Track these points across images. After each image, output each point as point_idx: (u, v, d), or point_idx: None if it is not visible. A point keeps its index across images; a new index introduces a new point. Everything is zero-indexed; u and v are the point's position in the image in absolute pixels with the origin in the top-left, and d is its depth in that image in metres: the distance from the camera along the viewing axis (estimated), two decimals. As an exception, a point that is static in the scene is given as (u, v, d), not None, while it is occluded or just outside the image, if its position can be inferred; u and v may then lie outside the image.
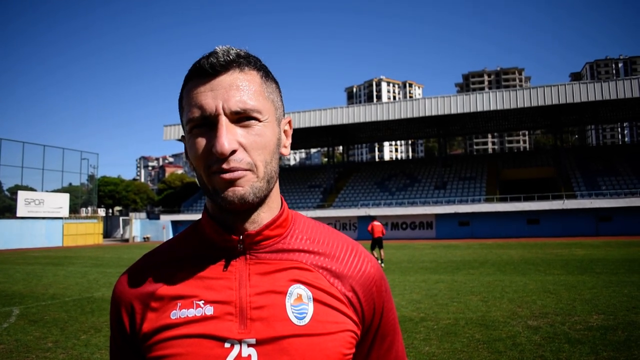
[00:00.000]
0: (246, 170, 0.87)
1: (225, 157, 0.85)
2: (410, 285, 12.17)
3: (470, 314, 8.54)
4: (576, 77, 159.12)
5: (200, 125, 0.88)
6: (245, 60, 0.91)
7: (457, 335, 7.07)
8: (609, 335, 6.76)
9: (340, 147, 63.78)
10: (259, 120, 0.89)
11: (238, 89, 0.88)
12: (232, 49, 0.91)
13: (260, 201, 0.93)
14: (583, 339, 6.59)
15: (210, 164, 0.87)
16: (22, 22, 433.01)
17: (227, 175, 0.86)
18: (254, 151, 0.88)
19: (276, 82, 0.99)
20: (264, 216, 0.96)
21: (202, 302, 0.91)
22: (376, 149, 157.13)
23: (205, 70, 0.88)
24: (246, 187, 0.87)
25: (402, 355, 1.08)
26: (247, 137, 0.88)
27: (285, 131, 1.00)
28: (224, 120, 0.86)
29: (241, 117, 0.88)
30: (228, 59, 0.88)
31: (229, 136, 0.85)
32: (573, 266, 15.61)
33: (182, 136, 1.00)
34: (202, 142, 0.88)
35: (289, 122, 1.02)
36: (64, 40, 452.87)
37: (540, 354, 5.98)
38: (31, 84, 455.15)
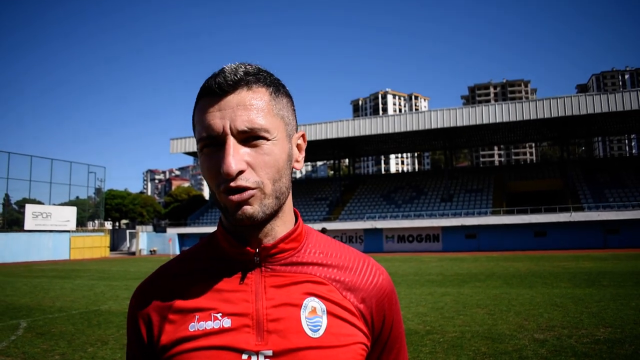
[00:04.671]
0: (254, 189, 0.89)
1: (232, 178, 0.87)
2: (416, 298, 12.13)
3: (476, 327, 8.51)
4: (582, 89, 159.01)
5: (209, 144, 0.90)
6: (254, 78, 0.92)
7: (463, 348, 7.05)
8: (616, 348, 6.72)
9: (347, 160, 63.71)
10: (267, 139, 0.90)
11: (245, 108, 0.88)
12: (241, 67, 0.91)
13: (271, 216, 0.94)
14: (590, 352, 6.56)
15: (219, 182, 0.89)
16: (27, 35, 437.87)
17: (236, 197, 0.88)
18: (262, 170, 0.89)
19: (288, 97, 0.99)
20: (278, 230, 0.98)
21: (220, 314, 0.92)
22: (382, 162, 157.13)
23: (213, 90, 0.89)
24: (255, 205, 0.89)
25: None
26: (254, 157, 0.89)
27: (298, 145, 1.01)
28: (231, 141, 0.87)
29: (249, 137, 0.89)
30: (235, 78, 0.89)
31: (236, 157, 0.86)
32: (580, 279, 15.51)
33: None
34: (211, 161, 0.90)
35: (303, 136, 1.03)
36: (70, 54, 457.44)
37: (546, 368, 5.96)
38: (39, 98, 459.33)
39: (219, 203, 0.92)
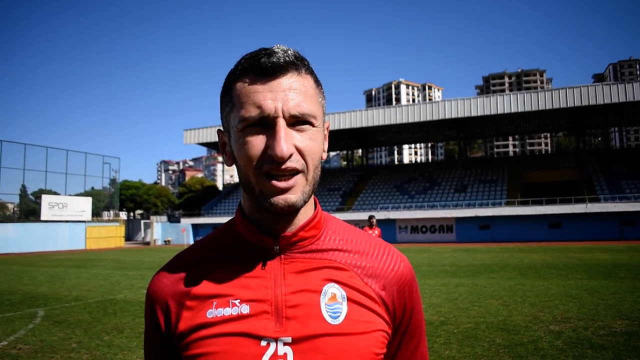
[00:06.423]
0: (299, 171, 0.88)
1: (283, 161, 0.85)
2: (430, 289, 12.11)
3: (491, 318, 8.47)
4: (599, 78, 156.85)
5: (255, 124, 0.88)
6: (301, 63, 0.91)
7: (477, 339, 7.02)
8: (632, 341, 6.65)
9: (360, 150, 63.62)
10: (313, 125, 0.90)
11: (296, 92, 0.88)
12: (290, 50, 0.90)
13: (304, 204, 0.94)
14: (606, 344, 6.50)
15: (261, 164, 0.87)
16: (41, 27, 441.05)
17: (282, 184, 0.87)
18: (307, 155, 0.89)
19: (322, 87, 0.99)
20: (300, 218, 0.96)
21: (238, 300, 0.91)
22: (395, 152, 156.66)
23: (265, 69, 0.87)
24: (298, 194, 0.88)
25: (426, 356, 1.07)
26: (302, 141, 0.88)
27: (324, 135, 1.00)
28: (282, 123, 0.86)
29: (297, 121, 0.88)
30: (287, 60, 0.88)
31: (287, 140, 0.86)
32: (596, 271, 15.37)
33: (219, 130, 1.00)
34: (257, 141, 0.87)
35: (328, 127, 1.02)
36: (84, 47, 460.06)
37: (562, 359, 5.92)
38: (53, 89, 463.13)
39: (253, 188, 0.90)
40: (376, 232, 11.80)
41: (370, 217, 12.20)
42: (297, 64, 0.90)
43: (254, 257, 0.96)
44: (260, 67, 0.88)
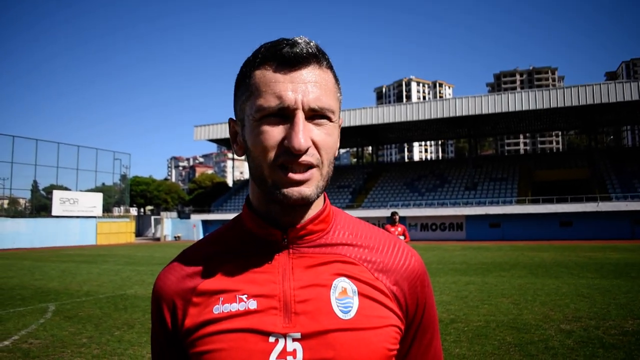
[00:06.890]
0: (314, 166, 0.86)
1: (300, 154, 0.84)
2: (440, 287, 12.06)
3: (501, 316, 8.43)
4: (612, 76, 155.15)
5: (273, 115, 0.86)
6: (323, 57, 0.90)
7: (487, 337, 6.99)
8: (645, 340, 6.59)
9: (370, 148, 63.45)
10: (331, 120, 0.89)
11: (318, 85, 0.87)
12: (312, 42, 0.89)
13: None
14: (618, 344, 6.45)
15: (277, 155, 0.85)
16: (50, 22, 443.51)
17: (297, 176, 0.85)
18: (323, 150, 0.87)
19: (340, 84, 0.97)
20: (309, 211, 0.95)
21: (245, 296, 0.90)
22: (405, 150, 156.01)
23: (288, 59, 0.86)
24: (312, 187, 0.87)
25: (440, 353, 1.06)
26: (319, 136, 0.87)
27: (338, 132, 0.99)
28: (301, 116, 0.85)
29: (316, 115, 0.87)
30: (310, 51, 0.87)
31: (305, 133, 0.84)
32: (607, 270, 15.26)
33: (231, 119, 0.98)
34: (274, 132, 0.85)
35: (340, 124, 1.00)
36: (95, 44, 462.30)
37: (573, 359, 5.87)
38: (65, 86, 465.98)
39: (266, 179, 0.88)
40: (399, 229, 11.69)
41: (393, 213, 11.93)
42: (319, 57, 0.89)
43: (262, 252, 0.94)
44: (283, 56, 0.86)
